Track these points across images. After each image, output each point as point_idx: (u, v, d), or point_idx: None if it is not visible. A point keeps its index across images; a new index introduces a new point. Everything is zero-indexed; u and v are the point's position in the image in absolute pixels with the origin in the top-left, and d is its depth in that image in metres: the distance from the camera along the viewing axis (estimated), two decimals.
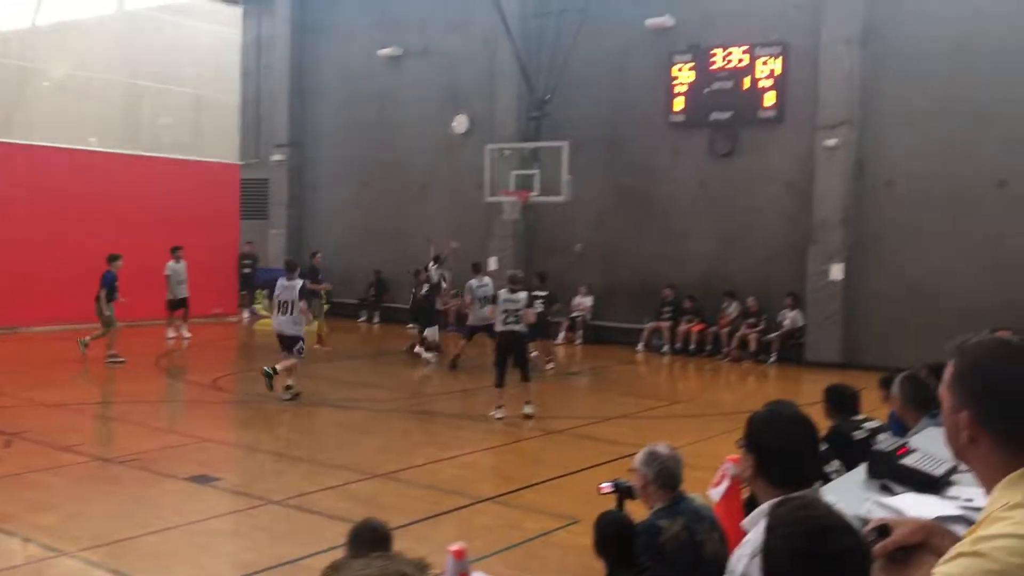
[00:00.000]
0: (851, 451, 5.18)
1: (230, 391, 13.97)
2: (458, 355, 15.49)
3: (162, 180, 20.92)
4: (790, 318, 17.40)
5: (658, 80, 18.93)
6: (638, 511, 4.85)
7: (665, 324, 18.49)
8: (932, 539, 2.12)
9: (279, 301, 12.61)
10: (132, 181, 20.34)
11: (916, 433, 4.76)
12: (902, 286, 16.43)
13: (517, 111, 20.48)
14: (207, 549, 6.89)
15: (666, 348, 18.38)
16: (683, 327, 18.31)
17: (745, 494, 5.03)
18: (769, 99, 17.74)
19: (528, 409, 11.56)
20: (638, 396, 14.18)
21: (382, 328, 22.11)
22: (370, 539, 4.08)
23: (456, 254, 17.37)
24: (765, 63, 17.74)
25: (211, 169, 22.21)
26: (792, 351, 17.30)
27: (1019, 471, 1.82)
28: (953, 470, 3.37)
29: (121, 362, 14.94)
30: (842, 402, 6.12)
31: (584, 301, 19.71)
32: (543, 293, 16.28)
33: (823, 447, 4.77)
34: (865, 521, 2.60)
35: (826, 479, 4.23)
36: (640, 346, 18.71)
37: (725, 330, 17.90)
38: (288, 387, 12.51)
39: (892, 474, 3.42)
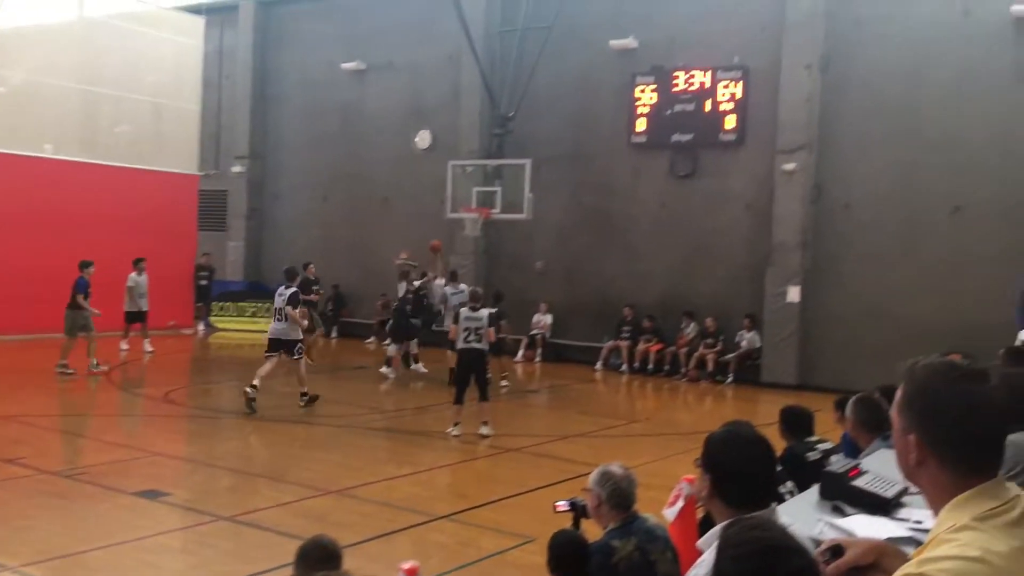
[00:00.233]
0: (805, 472, 5.21)
1: (183, 404, 13.75)
2: (452, 369, 15.26)
3: (119, 189, 20.62)
4: (747, 339, 17.54)
5: (621, 100, 19.07)
6: (594, 530, 4.82)
7: (624, 343, 18.55)
8: (884, 560, 2.13)
9: (276, 308, 13.08)
10: (88, 190, 20.03)
11: (868, 455, 4.79)
12: (857, 308, 16.65)
13: (480, 128, 20.51)
14: (154, 566, 6.75)
15: (624, 367, 18.43)
16: (642, 346, 18.38)
17: (700, 514, 5.03)
18: (730, 122, 17.93)
19: (484, 430, 11.49)
20: (596, 415, 14.18)
21: (340, 343, 21.94)
22: (319, 557, 4.01)
23: (406, 266, 17.08)
24: (726, 86, 17.95)
25: (169, 179, 21.94)
26: (749, 372, 17.44)
27: (965, 494, 1.83)
28: (904, 492, 3.39)
29: (71, 373, 14.67)
30: (797, 423, 6.15)
31: (544, 319, 19.72)
32: (493, 311, 16.20)
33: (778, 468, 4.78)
34: (818, 542, 2.60)
35: (780, 500, 4.23)
36: (599, 365, 18.75)
37: (683, 350, 18.00)
38: (303, 394, 12.84)
39: (844, 495, 3.43)
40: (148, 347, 18.06)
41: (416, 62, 21.87)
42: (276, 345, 12.91)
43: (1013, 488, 1.88)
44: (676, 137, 18.43)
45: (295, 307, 12.89)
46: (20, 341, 17.71)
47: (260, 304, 23.47)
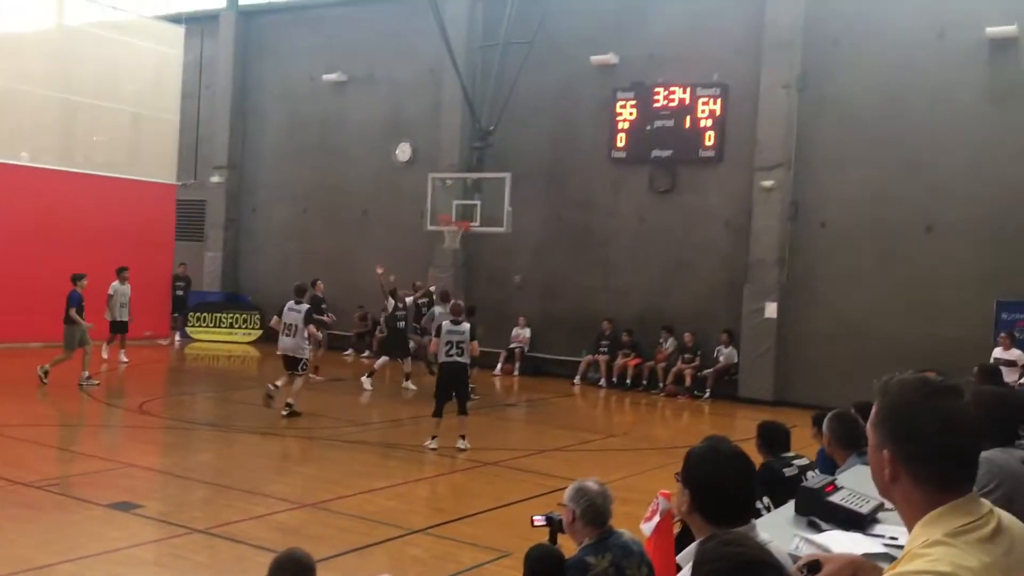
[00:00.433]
0: (781, 488, 5.22)
1: (158, 415, 13.62)
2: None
3: (96, 198, 20.44)
4: (725, 355, 17.62)
5: (601, 116, 19.16)
6: (572, 545, 4.81)
7: (603, 358, 18.58)
8: (860, 575, 2.13)
9: (285, 323, 13.33)
10: (65, 198, 19.85)
11: (844, 471, 4.81)
12: (833, 325, 16.77)
13: (461, 141, 20.54)
14: None
15: (603, 381, 18.45)
16: (620, 361, 18.41)
17: (677, 529, 5.03)
18: (709, 139, 18.06)
19: (462, 444, 11.47)
20: (574, 429, 14.18)
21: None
22: (294, 570, 3.98)
23: (385, 278, 17.05)
24: (706, 103, 18.08)
25: (147, 188, 21.79)
26: (726, 387, 17.51)
27: (938, 509, 1.84)
28: (879, 508, 3.41)
29: (96, 384, 14.79)
30: (774, 439, 6.17)
31: (523, 332, 19.72)
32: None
33: None
34: (795, 558, 2.61)
35: (756, 515, 4.24)
36: (577, 379, 18.76)
37: (661, 365, 18.05)
38: (288, 404, 13.02)
39: (820, 511, 3.44)
40: (123, 357, 17.90)
41: (397, 75, 21.89)
42: (288, 362, 13.38)
43: (986, 504, 1.89)
44: (656, 153, 18.53)
45: (309, 324, 13.29)
46: None
47: (237, 315, 23.36)
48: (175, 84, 22.77)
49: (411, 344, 17.09)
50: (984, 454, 3.27)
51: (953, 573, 1.73)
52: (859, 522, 3.35)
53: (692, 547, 2.57)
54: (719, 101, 17.97)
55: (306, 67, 23.20)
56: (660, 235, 18.63)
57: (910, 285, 16.19)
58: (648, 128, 18.57)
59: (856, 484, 3.68)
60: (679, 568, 2.61)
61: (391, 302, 16.56)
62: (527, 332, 19.73)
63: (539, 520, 5.05)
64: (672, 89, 18.33)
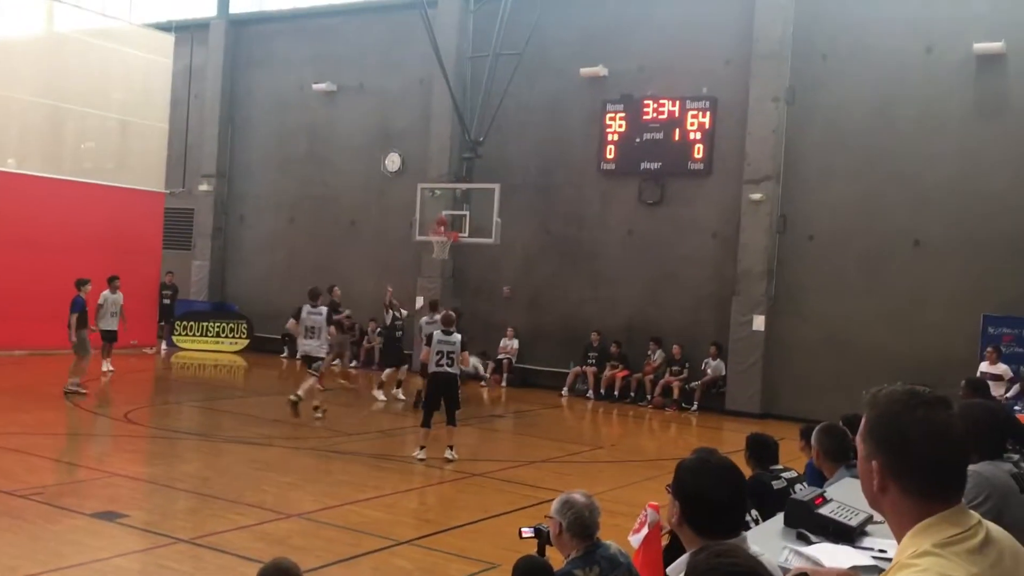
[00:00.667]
0: (770, 500, 5.22)
1: (143, 424, 13.54)
2: (420, 391, 15.19)
3: (83, 205, 20.37)
4: (712, 367, 17.64)
5: (590, 128, 19.21)
6: (559, 556, 4.79)
7: (590, 369, 18.57)
8: None
9: (306, 326, 13.91)
10: (52, 205, 19.76)
11: (833, 483, 4.81)
12: (820, 338, 16.83)
13: (450, 152, 20.55)
14: None
15: (590, 393, 18.45)
16: (608, 373, 18.40)
17: (665, 541, 5.02)
18: (698, 151, 18.12)
19: (449, 454, 11.44)
20: (561, 441, 14.16)
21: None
22: None
23: (391, 299, 17.11)
24: (695, 116, 18.15)
25: (135, 196, 21.71)
26: (713, 400, 17.52)
27: (927, 520, 1.84)
28: (868, 521, 3.41)
29: (84, 394, 14.67)
30: (763, 451, 6.18)
31: (510, 344, 19.70)
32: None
33: None
34: (785, 570, 2.61)
35: (746, 527, 4.23)
36: (565, 390, 18.74)
37: (649, 377, 18.05)
38: (297, 396, 13.57)
39: (809, 523, 3.44)
40: (108, 366, 17.77)
41: (387, 85, 21.90)
42: (309, 361, 14.05)
43: (974, 516, 1.89)
44: (645, 165, 18.58)
45: (330, 325, 13.99)
46: None
47: (224, 324, 23.27)
48: (164, 92, 22.72)
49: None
50: (972, 467, 3.29)
51: None
52: (848, 534, 3.35)
53: (683, 559, 2.56)
54: (708, 114, 18.05)
55: (296, 76, 23.19)
56: (649, 247, 18.66)
57: (897, 299, 16.26)
58: (637, 140, 18.63)
59: (845, 497, 3.68)
60: None
61: (389, 314, 16.64)
62: (515, 343, 19.71)
63: (527, 532, 5.03)
64: (661, 101, 18.40)
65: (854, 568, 2.71)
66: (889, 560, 2.09)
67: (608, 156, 18.98)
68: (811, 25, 17.17)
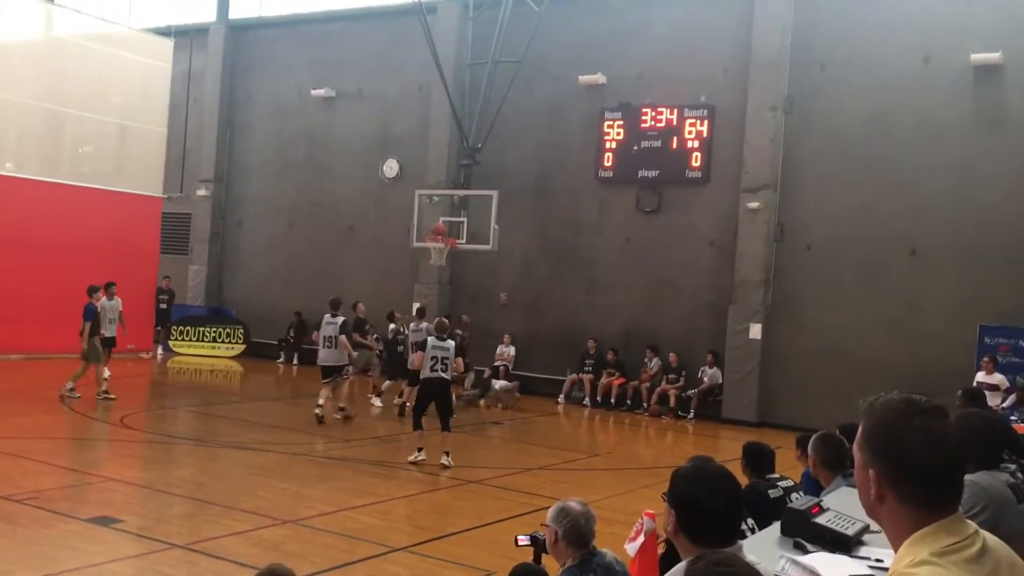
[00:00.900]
0: (766, 509, 5.22)
1: (138, 429, 13.51)
2: (405, 402, 15.22)
3: (81, 210, 20.35)
4: (709, 375, 17.63)
5: (588, 135, 19.23)
6: (556, 564, 4.79)
7: (587, 376, 18.56)
8: None
9: (324, 336, 14.23)
10: (49, 209, 19.75)
11: (829, 492, 4.81)
12: (817, 347, 16.83)
13: (448, 158, 20.57)
14: None
15: (587, 401, 18.43)
16: (604, 380, 18.39)
17: (661, 549, 5.01)
18: (696, 159, 18.14)
19: (446, 460, 11.43)
20: (558, 448, 14.14)
21: (301, 370, 21.72)
22: None
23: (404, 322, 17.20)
24: (693, 124, 18.18)
25: (133, 201, 21.70)
26: (710, 408, 17.52)
27: (924, 529, 1.84)
28: (865, 530, 3.41)
29: (113, 398, 14.83)
30: (759, 460, 6.17)
31: (507, 351, 19.69)
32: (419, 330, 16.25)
33: None
34: None
35: (742, 536, 4.23)
36: (561, 397, 18.73)
37: (646, 385, 18.04)
38: (341, 408, 14.33)
39: (805, 532, 3.44)
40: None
41: (386, 91, 21.93)
42: (328, 371, 14.24)
43: (971, 525, 1.89)
44: (642, 173, 18.60)
45: (345, 334, 14.20)
46: None
47: (220, 329, 23.24)
48: (163, 97, 22.72)
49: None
50: (969, 477, 3.29)
51: None
52: (845, 544, 3.35)
53: (680, 567, 2.56)
54: (706, 122, 18.08)
55: (295, 82, 23.21)
56: (646, 255, 18.67)
57: (894, 308, 16.28)
58: (635, 148, 18.65)
59: (842, 506, 3.67)
60: None
61: (391, 327, 16.74)
62: (512, 350, 19.70)
63: (523, 540, 5.02)
64: (659, 110, 18.43)
65: None
66: (885, 570, 2.09)
67: (606, 164, 19.00)
68: (809, 34, 17.21)
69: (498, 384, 17.92)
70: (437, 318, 13.11)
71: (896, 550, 1.89)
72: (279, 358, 22.53)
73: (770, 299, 17.39)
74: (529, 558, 5.04)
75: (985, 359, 14.58)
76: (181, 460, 11.59)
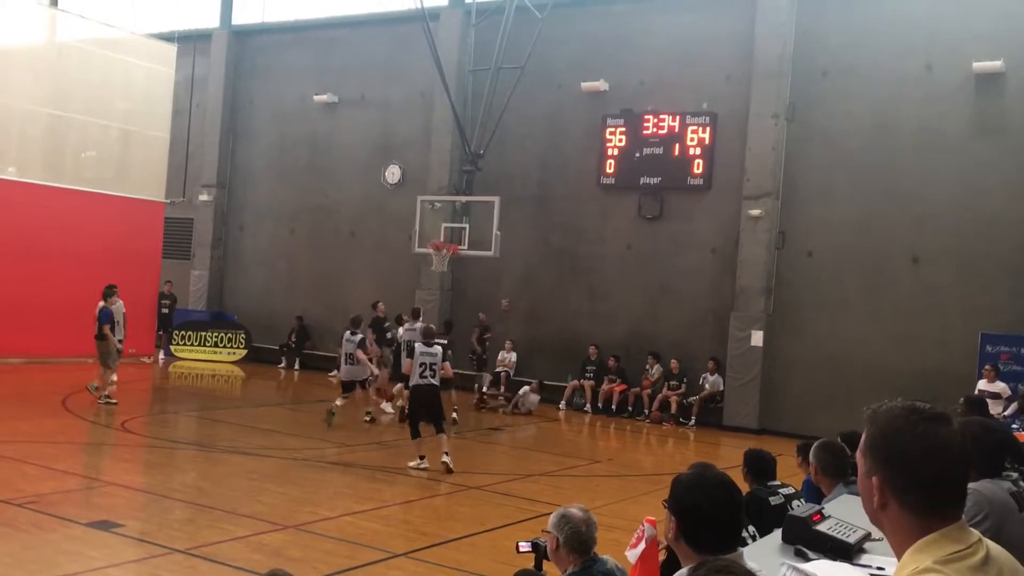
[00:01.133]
0: (767, 516, 5.21)
1: (140, 434, 13.51)
2: (404, 407, 15.23)
3: (84, 214, 20.38)
4: (710, 382, 17.62)
5: (590, 142, 19.25)
6: (557, 571, 4.78)
7: (588, 383, 18.55)
8: None
9: (345, 352, 14.77)
10: (52, 214, 19.77)
11: (831, 500, 4.80)
12: (818, 355, 16.82)
13: (450, 164, 20.59)
14: None
15: (588, 407, 18.42)
16: (606, 387, 18.38)
17: (662, 556, 5.00)
18: (697, 167, 18.15)
19: (446, 459, 11.43)
20: (558, 454, 14.13)
21: (302, 375, 21.72)
22: None
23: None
24: (695, 131, 18.20)
25: (135, 205, 21.71)
26: (711, 415, 17.50)
27: (927, 537, 1.84)
28: (866, 538, 3.40)
29: (115, 403, 14.80)
30: (760, 467, 6.16)
31: (508, 357, 19.67)
32: (443, 341, 16.09)
33: None
34: None
35: (742, 543, 4.22)
36: (562, 404, 18.71)
37: (647, 391, 18.03)
38: (368, 413, 15.03)
39: (806, 540, 3.43)
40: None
41: (388, 97, 21.96)
42: (349, 386, 14.85)
43: (975, 533, 1.89)
44: (644, 180, 18.61)
45: (363, 350, 14.74)
46: None
47: (222, 334, 23.24)
48: (166, 102, 22.75)
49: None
50: (972, 486, 3.28)
51: None
52: (846, 552, 3.34)
53: (680, 574, 2.56)
54: (708, 130, 18.09)
55: (297, 88, 23.24)
56: (647, 262, 18.68)
57: (895, 316, 16.27)
58: (637, 155, 18.67)
59: (843, 513, 3.67)
60: None
61: (399, 331, 16.76)
62: (513, 356, 19.69)
63: (524, 546, 5.02)
64: (661, 117, 18.45)
65: None
66: None
67: (608, 170, 19.01)
68: (811, 42, 17.23)
69: (530, 398, 17.95)
70: (423, 324, 13.27)
71: (899, 557, 1.89)
72: (280, 363, 22.53)
73: (771, 306, 17.38)
74: (530, 564, 5.04)
75: (987, 367, 14.57)
76: (182, 465, 11.59)
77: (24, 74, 20.21)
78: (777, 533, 3.67)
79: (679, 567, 2.72)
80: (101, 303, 15.55)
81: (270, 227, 23.79)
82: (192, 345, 23.00)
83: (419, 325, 15.43)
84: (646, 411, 17.92)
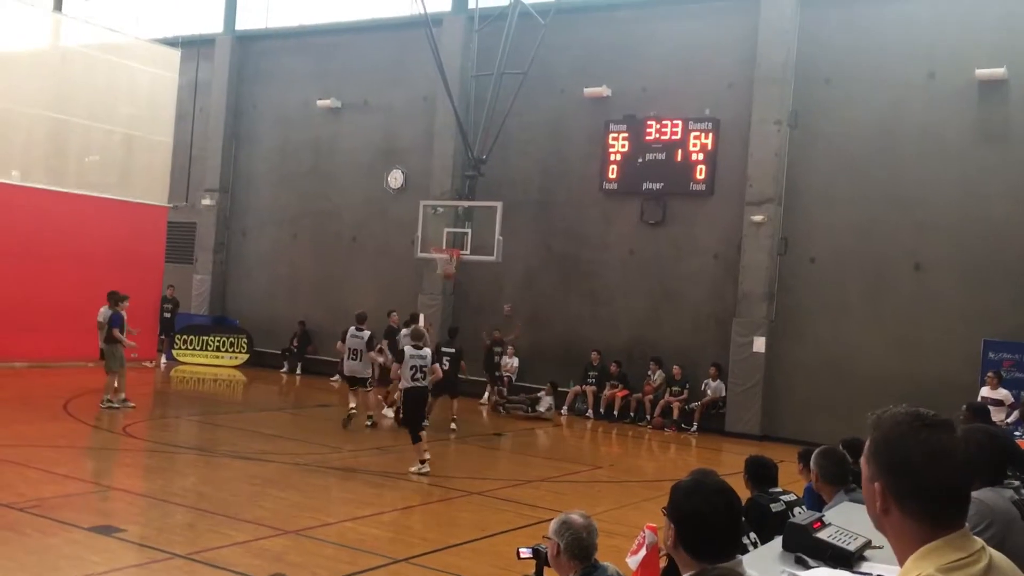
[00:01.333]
0: (768, 523, 5.20)
1: (141, 438, 13.51)
2: (398, 410, 15.27)
3: (87, 219, 20.39)
4: (712, 388, 17.60)
5: (593, 147, 19.26)
6: None
7: (590, 388, 18.54)
8: None
9: (350, 348, 14.68)
10: (55, 218, 19.79)
11: (831, 507, 4.79)
12: (821, 361, 16.80)
13: (453, 169, 20.60)
14: None
15: (590, 413, 18.40)
16: (607, 392, 18.36)
17: (663, 563, 4.99)
18: (700, 172, 18.15)
19: (424, 461, 11.53)
20: (560, 460, 14.12)
21: (304, 380, 21.72)
22: None
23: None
24: (697, 137, 18.20)
25: (138, 210, 21.73)
26: (713, 421, 17.48)
27: (930, 544, 1.83)
28: (867, 546, 3.39)
29: (116, 407, 14.86)
30: (761, 474, 6.15)
31: (511, 362, 19.66)
32: (451, 350, 16.07)
33: None
34: None
35: (743, 551, 4.21)
36: (564, 409, 18.70)
37: (649, 397, 18.01)
38: (369, 417, 14.99)
39: (807, 547, 3.43)
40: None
41: (391, 102, 21.98)
42: (354, 381, 14.88)
43: (978, 541, 1.89)
44: (647, 185, 18.61)
45: (372, 349, 14.85)
46: None
47: (224, 338, 23.26)
48: (169, 107, 22.77)
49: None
50: (975, 494, 3.27)
51: None
52: (847, 559, 3.34)
53: None
54: (710, 135, 18.10)
55: (300, 92, 23.28)
56: (650, 267, 18.67)
57: (898, 322, 16.25)
58: (640, 161, 18.67)
59: (844, 521, 3.66)
60: None
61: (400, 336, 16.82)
62: (515, 361, 19.68)
63: (525, 552, 5.01)
64: (664, 122, 18.46)
65: None
66: None
67: (610, 176, 19.02)
68: (814, 49, 17.23)
69: (545, 400, 17.97)
70: (414, 326, 13.35)
71: (901, 564, 1.88)
72: (282, 368, 22.53)
73: (774, 312, 17.37)
74: (531, 571, 5.03)
75: (989, 374, 14.54)
76: (183, 470, 11.59)
77: (28, 79, 20.25)
78: (778, 540, 3.66)
79: (679, 574, 2.71)
80: (105, 308, 15.58)
81: (273, 231, 23.81)
82: (194, 349, 23.01)
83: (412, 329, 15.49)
84: (648, 417, 17.89)
